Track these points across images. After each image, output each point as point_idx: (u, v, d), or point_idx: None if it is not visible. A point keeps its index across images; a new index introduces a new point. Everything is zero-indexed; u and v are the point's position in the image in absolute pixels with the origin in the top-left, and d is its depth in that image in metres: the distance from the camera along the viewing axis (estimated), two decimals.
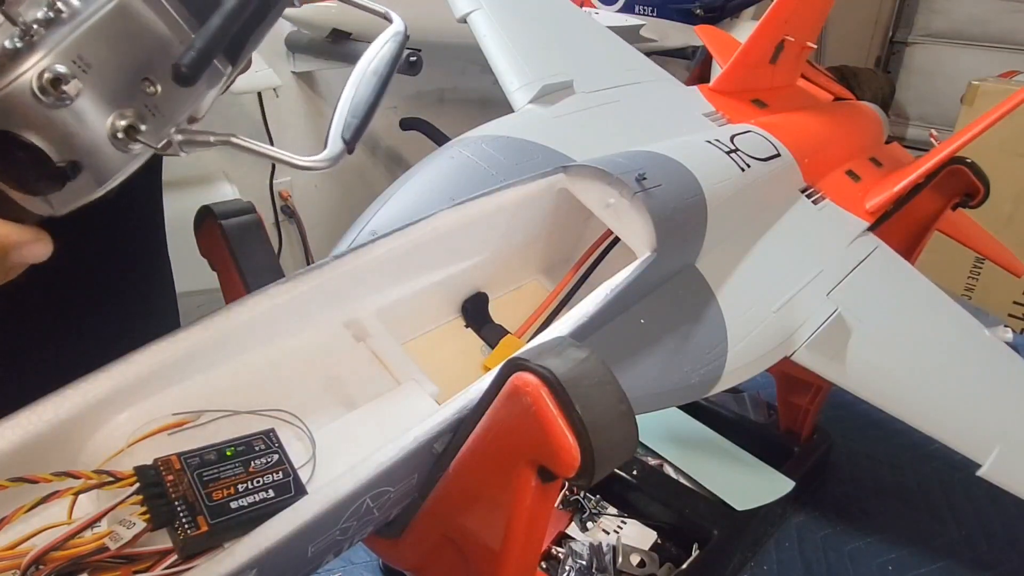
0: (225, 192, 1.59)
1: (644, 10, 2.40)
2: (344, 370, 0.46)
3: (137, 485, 0.33)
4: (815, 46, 0.93)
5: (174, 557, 0.32)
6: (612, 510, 0.76)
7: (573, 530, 0.74)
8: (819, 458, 0.87)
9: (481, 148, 0.57)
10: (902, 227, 0.84)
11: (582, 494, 0.77)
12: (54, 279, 0.40)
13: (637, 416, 0.37)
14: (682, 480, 0.80)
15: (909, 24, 3.62)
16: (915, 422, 0.60)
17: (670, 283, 0.54)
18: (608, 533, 0.73)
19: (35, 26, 0.30)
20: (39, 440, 0.34)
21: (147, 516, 0.32)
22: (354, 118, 0.39)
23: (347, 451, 0.40)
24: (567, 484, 0.68)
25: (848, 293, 0.65)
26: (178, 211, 0.66)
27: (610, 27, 0.93)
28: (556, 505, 0.75)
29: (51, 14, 0.30)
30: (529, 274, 0.61)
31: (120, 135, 0.33)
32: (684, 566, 0.69)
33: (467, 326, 0.55)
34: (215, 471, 0.35)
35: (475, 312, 0.54)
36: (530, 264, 0.60)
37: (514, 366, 0.36)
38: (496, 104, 0.65)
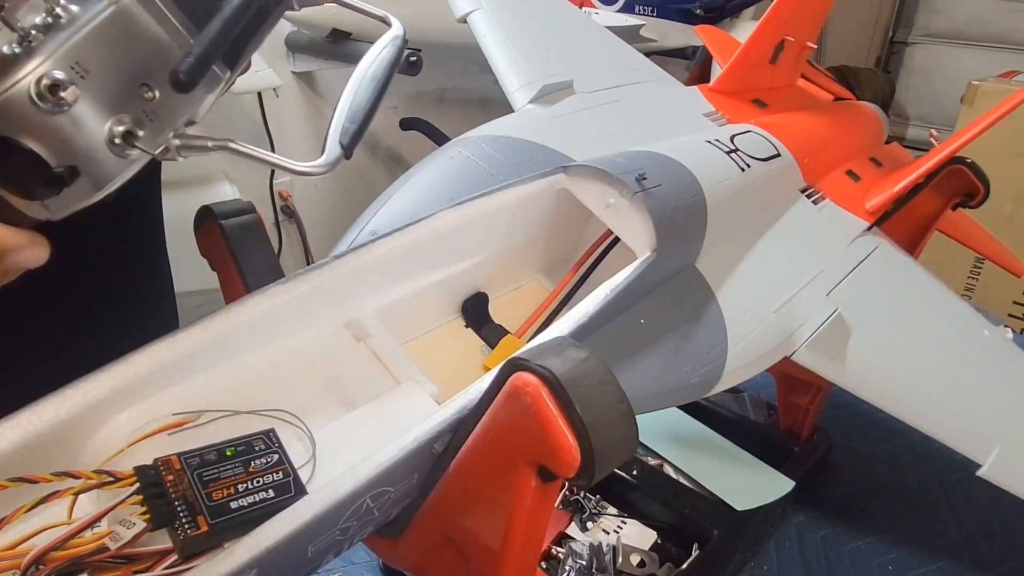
0: (225, 192, 1.59)
1: (644, 10, 2.40)
2: (344, 370, 0.46)
3: (137, 485, 0.33)
4: (815, 46, 0.93)
5: (174, 557, 0.32)
6: (612, 510, 0.76)
7: (573, 530, 0.73)
8: (819, 458, 0.87)
9: (481, 148, 0.57)
10: (902, 227, 0.84)
11: (582, 494, 0.76)
12: (54, 279, 0.40)
13: (637, 416, 0.37)
14: (682, 480, 0.80)
15: (909, 24, 3.62)
16: (915, 422, 0.60)
17: (670, 283, 0.54)
18: (608, 533, 0.73)
19: (33, 32, 0.30)
20: (39, 440, 0.34)
21: (147, 516, 0.32)
22: (352, 123, 0.39)
23: (347, 451, 0.40)
24: (567, 484, 0.68)
25: (848, 293, 0.65)
26: (178, 211, 0.66)
27: (610, 27, 0.93)
28: (556, 505, 0.75)
29: (49, 20, 0.30)
30: (529, 274, 0.61)
31: (118, 140, 0.33)
32: (684, 566, 0.69)
33: (467, 326, 0.55)
34: (215, 471, 0.35)
35: (475, 312, 0.54)
36: (530, 264, 0.60)
37: (514, 366, 0.36)
38: (496, 104, 0.65)
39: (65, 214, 0.34)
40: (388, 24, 0.43)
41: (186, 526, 0.32)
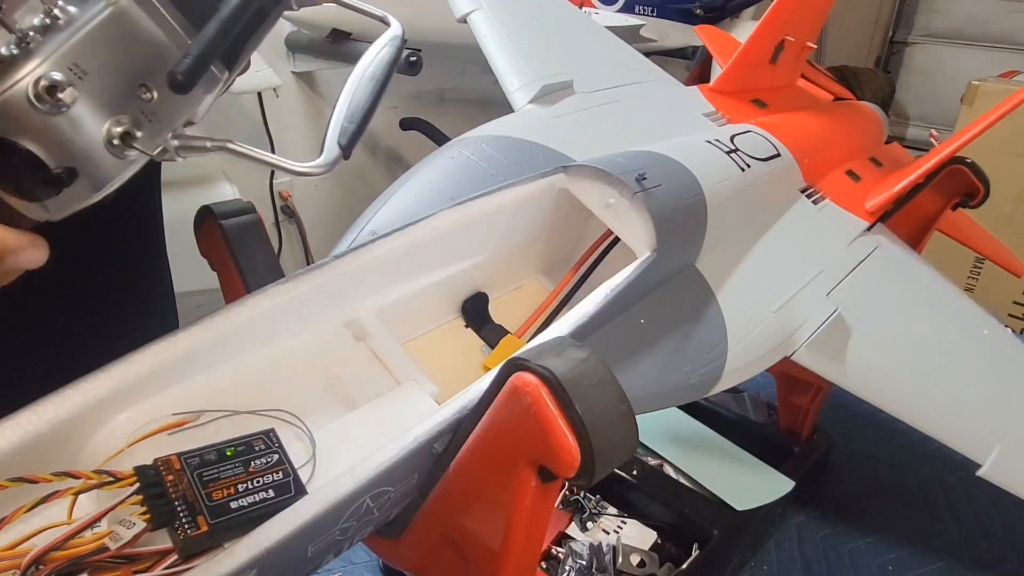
0: (225, 192, 1.59)
1: (644, 10, 2.40)
2: (344, 370, 0.46)
3: (137, 485, 0.33)
4: (815, 46, 0.93)
5: (174, 557, 0.32)
6: (612, 510, 0.76)
7: (573, 530, 0.74)
8: (819, 458, 0.87)
9: (481, 148, 0.57)
10: (902, 227, 0.84)
11: (582, 494, 0.77)
12: (53, 280, 0.40)
13: (637, 416, 0.37)
14: (682, 480, 0.80)
15: (909, 24, 3.62)
16: (915, 422, 0.60)
17: (670, 283, 0.54)
18: (608, 533, 0.73)
19: (32, 33, 0.30)
20: (39, 440, 0.34)
21: (147, 516, 0.32)
22: (351, 124, 0.39)
23: (347, 451, 0.40)
24: (567, 484, 0.68)
25: (848, 293, 0.65)
26: (178, 211, 0.66)
27: (610, 27, 0.93)
28: (556, 505, 0.75)
29: (48, 21, 0.30)
30: (529, 274, 0.61)
31: (116, 142, 0.33)
32: (684, 566, 0.69)
33: (467, 326, 0.55)
34: (215, 471, 0.35)
35: (475, 312, 0.54)
36: (530, 264, 0.60)
37: (514, 366, 0.36)
38: (496, 104, 0.65)
39: (64, 215, 0.34)
40: (387, 24, 0.43)
41: (186, 526, 0.32)
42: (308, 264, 0.45)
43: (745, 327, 0.56)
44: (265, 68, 1.55)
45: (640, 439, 0.50)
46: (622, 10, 2.36)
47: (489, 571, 0.41)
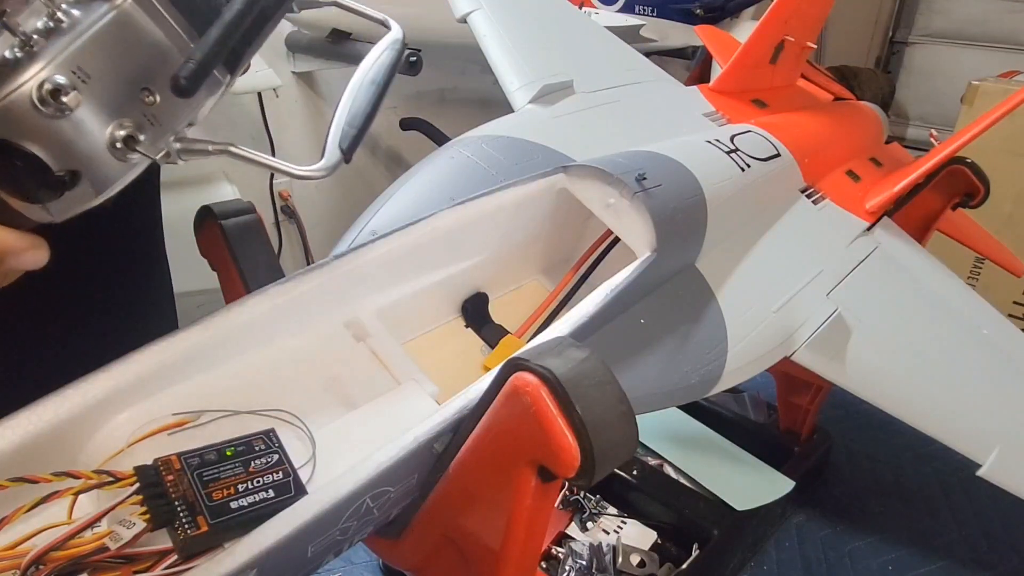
0: (225, 192, 1.58)
1: (644, 10, 2.40)
2: (344, 370, 0.46)
3: (137, 485, 0.33)
4: (815, 46, 0.93)
5: (174, 557, 0.32)
6: (612, 510, 0.76)
7: (573, 530, 0.74)
8: (819, 458, 0.87)
9: (481, 148, 0.57)
10: (902, 227, 0.84)
11: (582, 494, 0.77)
12: (54, 280, 0.40)
13: (637, 416, 0.37)
14: (682, 480, 0.80)
15: (909, 24, 3.62)
16: (915, 422, 0.60)
17: (670, 283, 0.54)
18: (608, 533, 0.74)
19: (35, 36, 0.30)
20: (39, 440, 0.34)
21: (147, 516, 0.32)
22: (351, 127, 0.39)
23: (347, 451, 0.40)
24: (567, 484, 0.68)
25: (848, 293, 0.65)
26: (178, 211, 0.66)
27: (610, 27, 0.93)
28: (556, 505, 0.75)
29: (51, 24, 0.30)
30: (529, 274, 0.61)
31: (119, 145, 0.33)
32: (684, 566, 0.69)
33: (467, 326, 0.55)
34: (215, 471, 0.35)
35: (475, 312, 0.54)
36: (530, 264, 0.60)
37: (514, 366, 0.36)
38: (496, 104, 0.65)
39: (66, 217, 0.34)
40: (387, 27, 0.43)
41: (186, 526, 0.32)
42: (308, 264, 0.45)
43: (745, 327, 0.56)
44: (265, 68, 1.55)
45: (640, 439, 0.50)
46: (622, 10, 2.36)
47: (489, 571, 0.41)
